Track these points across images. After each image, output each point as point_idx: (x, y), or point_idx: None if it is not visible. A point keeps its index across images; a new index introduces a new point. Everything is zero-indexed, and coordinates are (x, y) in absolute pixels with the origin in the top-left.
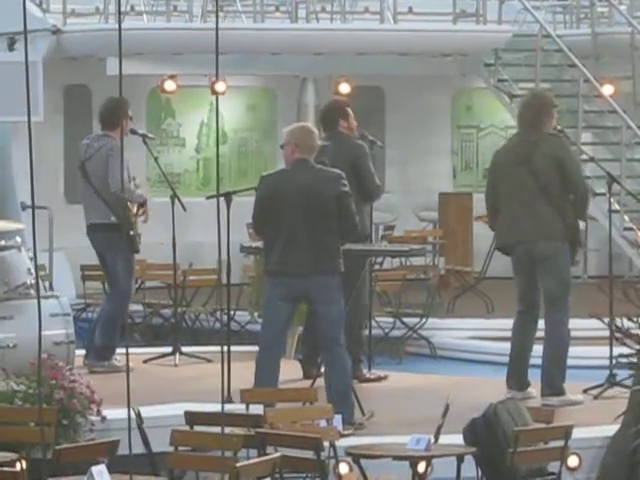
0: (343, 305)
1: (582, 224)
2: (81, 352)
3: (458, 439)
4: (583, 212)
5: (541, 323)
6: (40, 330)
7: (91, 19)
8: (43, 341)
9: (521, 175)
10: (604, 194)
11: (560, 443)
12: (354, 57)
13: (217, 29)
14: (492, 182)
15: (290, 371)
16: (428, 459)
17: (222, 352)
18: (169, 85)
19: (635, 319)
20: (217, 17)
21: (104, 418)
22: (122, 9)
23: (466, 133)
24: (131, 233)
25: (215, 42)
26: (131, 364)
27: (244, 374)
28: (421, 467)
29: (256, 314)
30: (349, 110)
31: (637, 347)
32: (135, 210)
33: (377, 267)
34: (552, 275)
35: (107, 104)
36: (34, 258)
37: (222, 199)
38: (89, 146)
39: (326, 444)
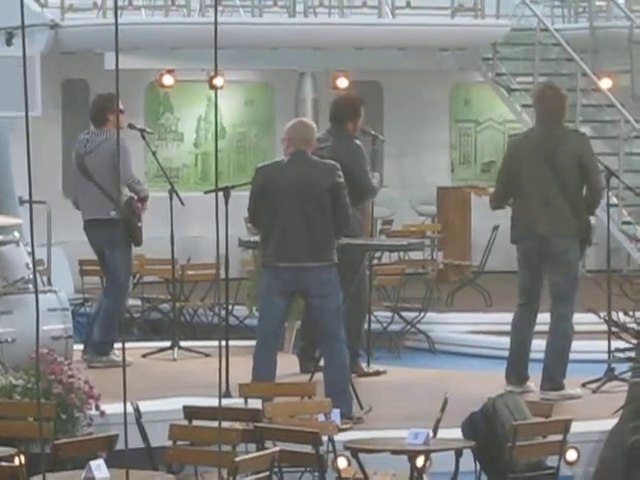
0: (341, 299)
1: (592, 219)
2: (79, 347)
3: (457, 433)
4: (594, 209)
5: (545, 317)
6: (38, 324)
7: (89, 14)
8: (41, 336)
9: (542, 171)
10: (602, 188)
11: (559, 437)
12: (352, 51)
13: (216, 23)
14: (508, 170)
15: (288, 365)
16: (427, 453)
17: (220, 347)
18: (167, 79)
19: (632, 313)
20: (216, 12)
21: (103, 413)
22: (120, 3)
23: (464, 127)
24: (139, 225)
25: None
26: (130, 358)
27: (243, 368)
28: (420, 461)
29: (254, 308)
30: (361, 110)
31: (634, 341)
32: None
33: (376, 261)
34: (562, 271)
35: (94, 102)
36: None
37: (221, 194)
38: (89, 141)
39: (324, 438)
